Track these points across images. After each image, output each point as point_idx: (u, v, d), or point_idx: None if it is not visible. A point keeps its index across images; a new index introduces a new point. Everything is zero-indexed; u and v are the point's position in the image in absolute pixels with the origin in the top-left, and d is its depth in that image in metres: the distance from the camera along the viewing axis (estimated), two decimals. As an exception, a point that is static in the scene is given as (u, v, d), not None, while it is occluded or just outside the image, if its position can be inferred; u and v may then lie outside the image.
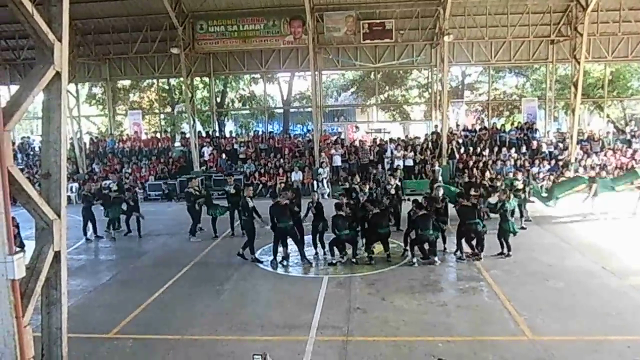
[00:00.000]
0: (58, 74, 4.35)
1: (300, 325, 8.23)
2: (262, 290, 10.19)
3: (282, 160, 23.61)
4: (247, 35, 24.08)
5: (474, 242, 11.75)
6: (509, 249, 11.77)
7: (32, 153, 26.96)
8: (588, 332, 7.60)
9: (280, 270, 11.52)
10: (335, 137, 25.49)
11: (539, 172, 21.10)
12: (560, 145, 23.20)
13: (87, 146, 26.65)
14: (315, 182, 21.36)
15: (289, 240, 12.10)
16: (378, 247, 11.95)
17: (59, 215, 4.41)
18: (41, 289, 4.37)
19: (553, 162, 21.89)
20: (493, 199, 12.49)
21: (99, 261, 13.48)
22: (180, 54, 22.72)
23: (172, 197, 22.35)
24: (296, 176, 22.07)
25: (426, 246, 11.45)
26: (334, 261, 11.60)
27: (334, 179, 21.96)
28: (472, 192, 12.43)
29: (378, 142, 24.28)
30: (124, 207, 15.54)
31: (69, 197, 21.73)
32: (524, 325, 7.90)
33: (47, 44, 4.43)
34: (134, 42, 25.11)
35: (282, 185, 19.98)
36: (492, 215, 13.11)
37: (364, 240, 12.35)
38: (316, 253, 12.29)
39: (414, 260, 11.44)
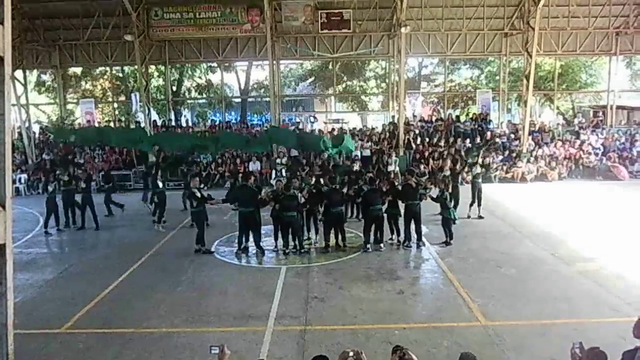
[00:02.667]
0: (1, 59, 4.14)
1: (258, 315, 8.21)
2: (219, 281, 10.10)
3: (239, 150, 23.35)
4: (204, 23, 23.66)
5: (413, 227, 11.96)
6: (450, 237, 12.03)
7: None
8: (537, 316, 7.87)
9: (238, 260, 11.46)
10: (293, 127, 25.41)
11: (492, 162, 21.63)
12: (513, 136, 23.84)
13: (37, 136, 25.65)
14: (273, 172, 21.29)
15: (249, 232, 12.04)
16: (333, 240, 12.03)
17: (3, 207, 4.23)
18: (-15, 284, 4.20)
19: (506, 152, 22.50)
20: (434, 192, 12.63)
21: (50, 254, 13.03)
22: (134, 41, 22.11)
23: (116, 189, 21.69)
24: (254, 166, 21.93)
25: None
26: (287, 250, 11.69)
27: (292, 169, 21.91)
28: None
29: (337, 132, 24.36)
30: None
31: (17, 188, 21.05)
32: (477, 312, 8.11)
33: (-11, 27, 4.21)
34: (85, 27, 24.24)
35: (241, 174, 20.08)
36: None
37: (322, 226, 12.48)
38: (276, 246, 12.14)
39: (368, 245, 11.69)
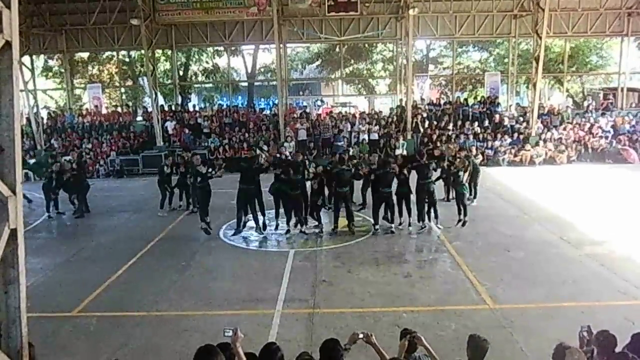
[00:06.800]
0: (8, 44, 4.10)
1: (266, 298, 8.27)
2: (228, 265, 10.17)
3: (247, 135, 23.35)
4: (210, 7, 23.47)
5: (431, 209, 11.96)
6: (465, 214, 11.95)
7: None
8: (545, 299, 7.88)
9: (245, 244, 11.50)
10: (300, 111, 25.33)
11: (500, 146, 21.50)
12: (522, 119, 23.63)
13: (45, 121, 25.69)
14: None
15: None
16: (342, 222, 12.02)
17: (14, 192, 4.24)
18: (-3, 268, 4.24)
19: (515, 135, 22.33)
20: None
21: (60, 239, 13.17)
22: (140, 26, 21.97)
23: (123, 174, 21.87)
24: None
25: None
26: (288, 229, 11.74)
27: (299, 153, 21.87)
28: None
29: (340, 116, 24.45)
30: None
31: (26, 173, 21.15)
32: (485, 295, 8.12)
33: (-5, 11, 4.19)
34: (91, 12, 24.17)
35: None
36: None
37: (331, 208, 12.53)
38: (277, 225, 12.15)
39: (377, 227, 11.70)
